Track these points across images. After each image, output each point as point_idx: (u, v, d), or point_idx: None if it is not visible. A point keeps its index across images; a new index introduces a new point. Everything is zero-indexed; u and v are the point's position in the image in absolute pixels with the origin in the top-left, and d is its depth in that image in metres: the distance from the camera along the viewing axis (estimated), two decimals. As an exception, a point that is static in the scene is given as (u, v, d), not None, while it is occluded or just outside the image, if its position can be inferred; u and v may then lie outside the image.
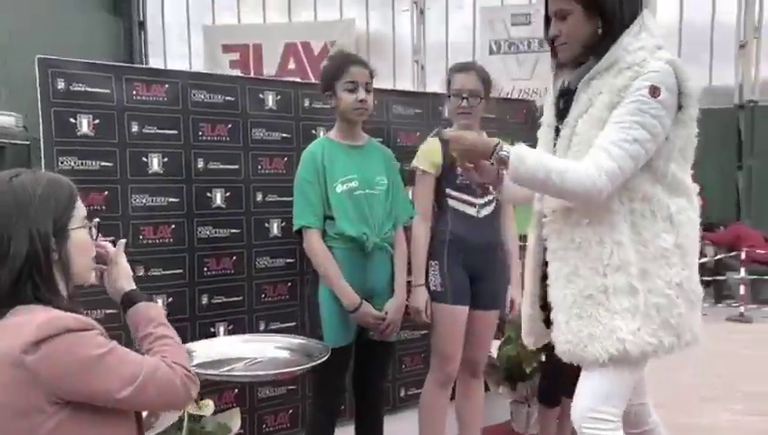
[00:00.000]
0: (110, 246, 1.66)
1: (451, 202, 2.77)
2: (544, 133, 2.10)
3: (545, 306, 2.10)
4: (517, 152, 1.87)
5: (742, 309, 7.74)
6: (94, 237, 1.54)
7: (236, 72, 12.94)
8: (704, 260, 8.99)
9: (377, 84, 2.68)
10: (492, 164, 1.98)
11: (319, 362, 1.74)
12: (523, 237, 3.12)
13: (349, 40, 13.22)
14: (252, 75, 12.16)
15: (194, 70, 11.03)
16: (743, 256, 8.02)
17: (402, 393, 3.41)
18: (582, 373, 1.98)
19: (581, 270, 1.91)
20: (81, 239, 1.47)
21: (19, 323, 1.31)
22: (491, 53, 12.96)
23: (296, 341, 2.32)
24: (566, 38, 1.92)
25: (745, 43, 11.62)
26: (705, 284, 9.18)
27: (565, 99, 1.99)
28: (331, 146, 2.58)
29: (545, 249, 2.05)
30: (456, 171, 2.74)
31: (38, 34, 11.06)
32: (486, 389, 3.53)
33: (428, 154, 2.77)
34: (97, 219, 1.56)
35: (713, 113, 11.91)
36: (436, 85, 2.98)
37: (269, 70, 13.51)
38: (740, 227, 9.32)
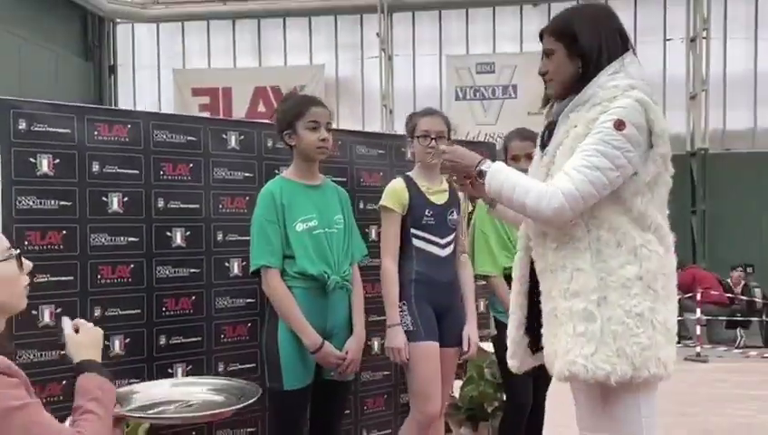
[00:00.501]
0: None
1: (416, 242, 2.82)
2: (533, 162, 2.21)
3: (529, 330, 2.17)
4: (494, 167, 2.05)
5: (698, 349, 7.91)
6: (21, 268, 1.53)
7: (205, 115, 13.04)
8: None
9: (345, 126, 2.74)
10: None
11: (246, 403, 1.71)
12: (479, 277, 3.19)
13: (318, 85, 13.44)
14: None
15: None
16: (698, 297, 8.21)
17: (365, 435, 3.39)
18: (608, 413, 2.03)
19: (553, 292, 2.01)
20: (3, 272, 1.47)
21: None
22: (457, 98, 13.28)
23: (229, 383, 2.24)
24: (552, 75, 2.06)
25: (695, 95, 12.18)
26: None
27: (549, 130, 2.11)
28: (289, 185, 2.61)
29: (531, 270, 2.14)
30: (421, 211, 2.80)
31: (9, 78, 11.06)
32: (448, 430, 3.53)
33: (394, 193, 2.83)
34: (17, 250, 1.55)
35: None
36: (404, 129, 3.06)
37: (238, 113, 13.63)
38: (696, 270, 9.57)
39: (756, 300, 9.01)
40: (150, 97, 14.64)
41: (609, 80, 1.95)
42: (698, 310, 8.11)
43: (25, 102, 2.57)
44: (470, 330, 2.90)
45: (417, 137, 2.84)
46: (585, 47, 1.98)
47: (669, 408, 5.51)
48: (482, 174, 2.06)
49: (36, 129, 2.55)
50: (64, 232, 2.59)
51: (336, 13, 13.59)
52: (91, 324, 1.71)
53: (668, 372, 1.93)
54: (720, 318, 8.86)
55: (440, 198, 2.84)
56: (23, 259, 1.55)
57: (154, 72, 14.73)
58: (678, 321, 7.23)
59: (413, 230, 2.82)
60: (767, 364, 7.80)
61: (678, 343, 7.47)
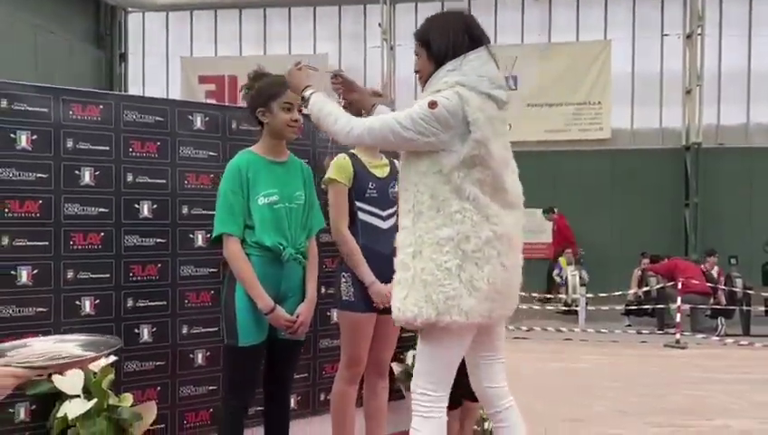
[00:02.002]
0: None
1: (360, 215, 3.05)
2: None
3: None
4: (315, 96, 2.48)
5: (678, 336, 8.11)
6: None
7: (212, 102, 13.34)
8: (646, 289, 9.41)
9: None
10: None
11: (105, 352, 1.84)
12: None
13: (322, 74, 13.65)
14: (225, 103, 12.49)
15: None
16: (679, 285, 8.39)
17: (321, 398, 3.64)
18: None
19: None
20: None
21: None
22: (457, 89, 13.44)
23: (95, 338, 2.28)
24: (420, 73, 2.42)
25: (690, 90, 12.30)
26: (650, 313, 9.57)
27: None
28: (255, 160, 2.79)
29: None
30: (365, 184, 3.04)
31: (26, 64, 11.43)
32: (402, 396, 3.78)
33: (340, 166, 3.07)
34: None
35: (663, 153, 12.71)
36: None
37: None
38: (678, 260, 9.74)
39: (736, 290, 9.17)
40: (159, 84, 14.95)
41: (444, 75, 2.31)
42: (679, 299, 8.30)
43: (7, 84, 2.84)
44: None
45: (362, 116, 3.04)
46: (434, 52, 2.34)
47: (636, 389, 5.78)
48: (304, 99, 2.48)
49: (17, 107, 2.82)
50: (40, 201, 2.87)
51: (340, 3, 13.80)
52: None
53: (470, 320, 2.24)
54: (701, 307, 9.03)
55: (382, 172, 3.08)
56: None
57: (163, 59, 15.04)
58: (661, 309, 7.52)
59: (357, 203, 3.04)
60: (741, 351, 7.98)
61: (661, 329, 7.76)
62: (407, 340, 3.87)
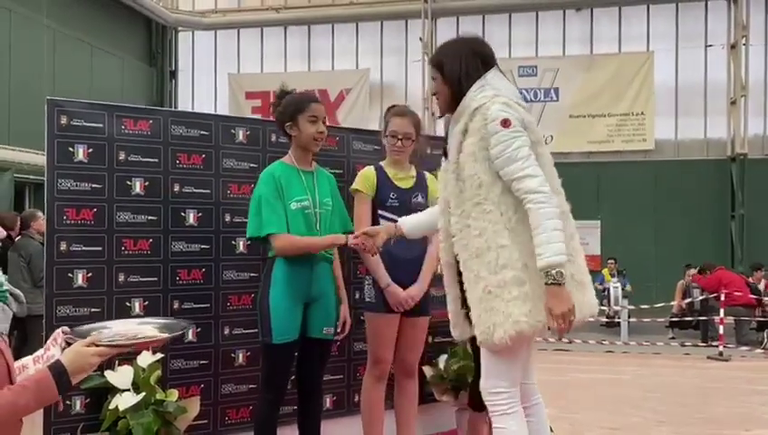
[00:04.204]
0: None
1: (382, 221, 3.20)
2: (441, 169, 2.63)
3: (465, 304, 2.54)
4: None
5: (720, 348, 7.98)
6: None
7: (257, 117, 13.74)
8: (689, 301, 9.28)
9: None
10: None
11: (178, 333, 1.94)
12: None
13: (363, 88, 13.94)
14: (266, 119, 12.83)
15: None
16: (722, 298, 8.28)
17: (356, 398, 3.77)
18: (482, 357, 2.47)
19: (482, 272, 2.37)
20: None
21: None
22: (498, 102, 13.50)
23: (169, 321, 2.30)
24: (437, 95, 2.56)
25: (735, 100, 12.12)
26: (694, 326, 9.43)
27: (446, 141, 2.57)
28: (286, 169, 3.00)
29: (457, 261, 2.50)
30: (386, 193, 3.20)
31: (82, 81, 12.02)
32: (434, 399, 3.90)
33: (364, 177, 3.27)
34: None
35: (707, 164, 12.50)
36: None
37: (288, 116, 14.22)
38: (722, 272, 9.58)
39: (781, 302, 8.98)
40: (207, 100, 15.45)
41: (477, 93, 2.41)
42: (722, 311, 8.18)
43: (66, 102, 3.09)
44: (411, 291, 3.21)
45: (387, 135, 3.23)
46: (448, 75, 2.48)
47: (674, 399, 5.76)
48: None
49: (74, 123, 3.06)
50: (95, 210, 3.09)
51: (382, 18, 14.06)
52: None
53: (583, 315, 2.34)
54: (744, 319, 8.87)
55: (406, 184, 3.25)
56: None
57: (211, 76, 15.54)
58: (705, 321, 7.49)
59: (380, 211, 3.22)
60: (786, 364, 7.82)
61: (704, 342, 7.74)
62: (439, 345, 3.99)
